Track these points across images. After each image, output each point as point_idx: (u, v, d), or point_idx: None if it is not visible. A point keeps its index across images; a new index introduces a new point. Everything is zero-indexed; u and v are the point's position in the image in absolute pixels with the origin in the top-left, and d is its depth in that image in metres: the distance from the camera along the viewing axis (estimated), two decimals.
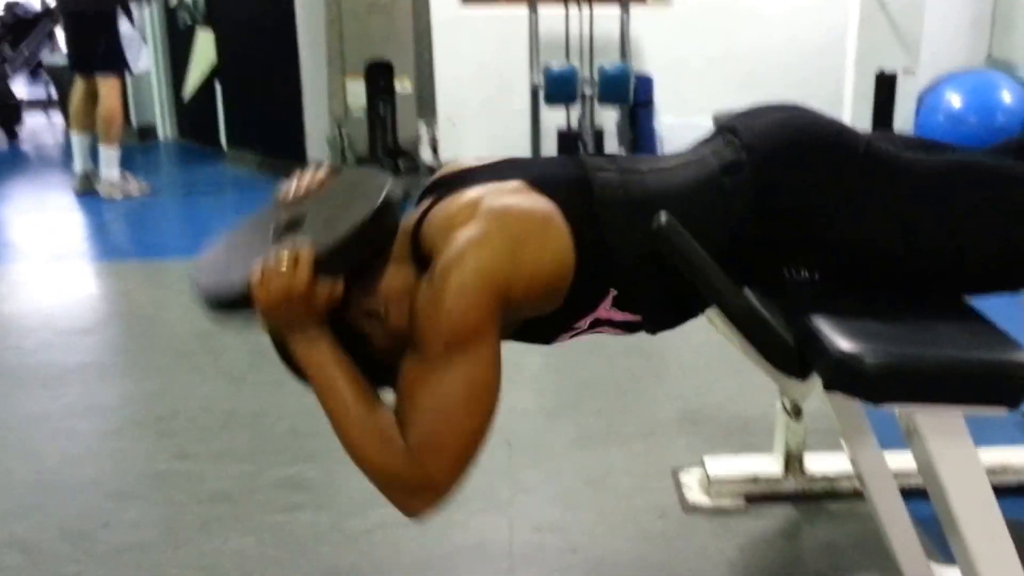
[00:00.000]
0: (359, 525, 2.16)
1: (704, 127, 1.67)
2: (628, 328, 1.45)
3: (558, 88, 4.67)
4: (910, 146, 1.55)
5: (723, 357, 3.02)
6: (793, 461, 2.26)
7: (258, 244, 1.37)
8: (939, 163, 1.47)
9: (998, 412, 1.19)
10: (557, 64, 4.92)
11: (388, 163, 5.36)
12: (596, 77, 5.06)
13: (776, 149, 1.44)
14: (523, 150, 5.56)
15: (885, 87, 4.91)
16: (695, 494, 2.29)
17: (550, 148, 5.44)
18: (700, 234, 1.36)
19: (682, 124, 5.51)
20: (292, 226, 1.37)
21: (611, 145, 5.48)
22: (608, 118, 5.51)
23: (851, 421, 1.73)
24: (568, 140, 5.28)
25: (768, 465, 2.30)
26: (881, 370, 1.16)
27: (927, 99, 5.03)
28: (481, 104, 5.63)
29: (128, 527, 2.19)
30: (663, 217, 1.33)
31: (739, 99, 6.31)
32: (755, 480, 2.27)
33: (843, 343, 1.20)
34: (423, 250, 1.32)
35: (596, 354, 3.05)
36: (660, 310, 1.45)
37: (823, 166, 1.43)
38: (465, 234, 1.25)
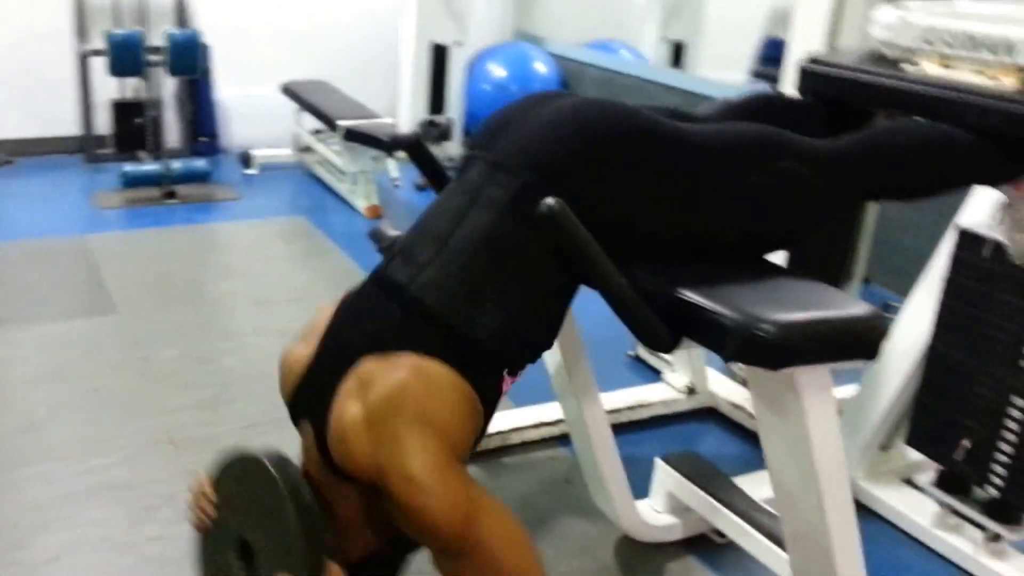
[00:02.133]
0: None
1: (267, 97, 1.70)
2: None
3: (123, 56, 4.37)
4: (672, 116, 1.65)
5: None
6: None
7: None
8: (726, 137, 1.56)
9: (859, 365, 1.37)
10: (120, 30, 4.59)
11: None
12: (166, 44, 4.81)
13: (568, 152, 1.45)
14: (70, 124, 5.15)
15: (439, 58, 5.35)
16: None
17: (104, 121, 5.09)
18: (534, 264, 1.42)
19: (243, 95, 5.50)
20: (246, 557, 1.47)
21: (169, 118, 5.26)
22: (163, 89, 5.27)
23: (578, 371, 2.01)
24: (126, 111, 4.98)
25: None
26: (785, 338, 1.28)
27: (474, 69, 5.56)
28: (17, 74, 5.06)
29: None
30: (551, 202, 1.33)
31: (301, 70, 6.45)
32: None
33: (741, 315, 1.30)
34: (356, 478, 1.37)
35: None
36: (537, 355, 1.53)
37: (636, 157, 1.46)
38: (387, 452, 1.31)
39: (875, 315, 1.37)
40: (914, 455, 2.50)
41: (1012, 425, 2.05)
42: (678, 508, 2.26)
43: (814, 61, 2.00)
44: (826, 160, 1.60)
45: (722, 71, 6.42)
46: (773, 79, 6.57)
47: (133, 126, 4.98)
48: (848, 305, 1.39)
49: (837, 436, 1.40)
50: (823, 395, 1.37)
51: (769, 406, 1.41)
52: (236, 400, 2.81)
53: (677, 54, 6.14)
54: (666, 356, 2.98)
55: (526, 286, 1.45)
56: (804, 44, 3.06)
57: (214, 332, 3.27)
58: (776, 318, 1.29)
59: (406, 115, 5.39)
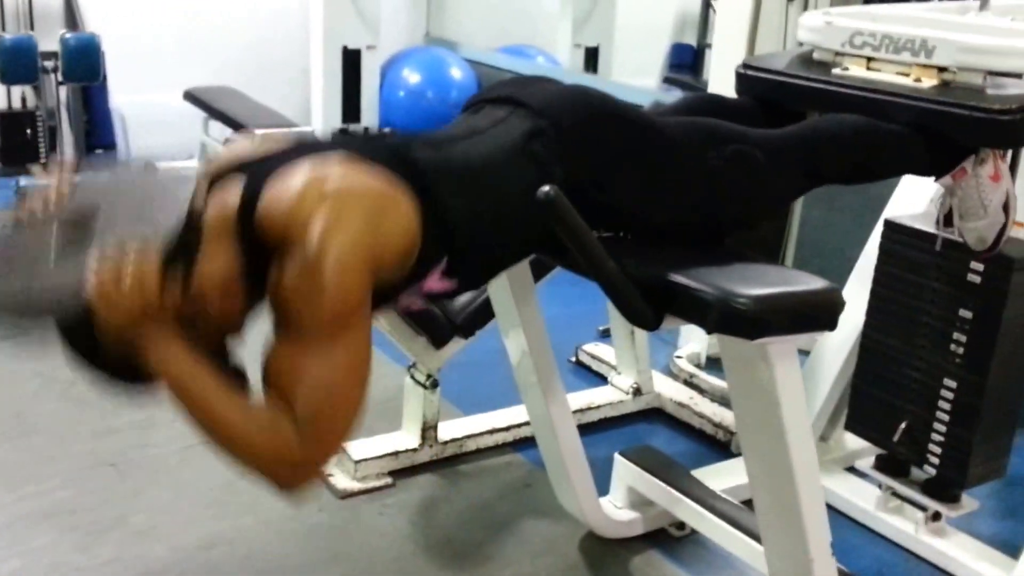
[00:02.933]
0: None
1: (168, 105, 1.73)
2: (436, 299, 1.66)
3: (16, 63, 4.31)
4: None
5: None
6: (429, 431, 2.64)
7: (41, 250, 1.35)
8: (685, 125, 1.76)
9: (817, 336, 1.55)
10: (9, 34, 4.53)
11: None
12: (60, 49, 4.76)
13: (578, 117, 1.64)
14: None
15: (351, 63, 5.43)
16: (343, 481, 2.57)
17: None
18: (523, 197, 1.50)
19: (141, 103, 5.46)
20: (79, 230, 1.36)
21: (63, 128, 5.20)
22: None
23: (545, 371, 2.14)
24: (13, 123, 4.89)
25: (404, 440, 2.66)
26: (760, 311, 1.44)
27: (388, 75, 5.65)
28: None
29: None
30: (549, 188, 1.44)
31: (203, 76, 6.41)
32: (396, 456, 2.63)
33: (720, 292, 1.46)
34: (267, 236, 1.37)
35: None
36: (477, 276, 1.66)
37: (620, 136, 1.65)
38: (326, 214, 1.33)
39: (833, 289, 1.55)
40: (853, 444, 2.71)
41: (945, 405, 2.25)
42: (638, 503, 2.40)
43: (748, 66, 2.17)
44: (774, 144, 1.79)
45: (634, 76, 6.68)
46: (683, 84, 6.89)
47: (24, 138, 4.90)
48: (809, 281, 1.58)
49: (803, 402, 1.59)
50: (791, 364, 1.55)
51: (742, 376, 1.61)
52: (175, 419, 2.83)
53: (590, 59, 6.35)
54: (611, 359, 3.13)
55: (508, 204, 1.57)
56: (724, 50, 3.28)
57: None
58: (751, 293, 1.46)
59: (319, 123, 5.45)
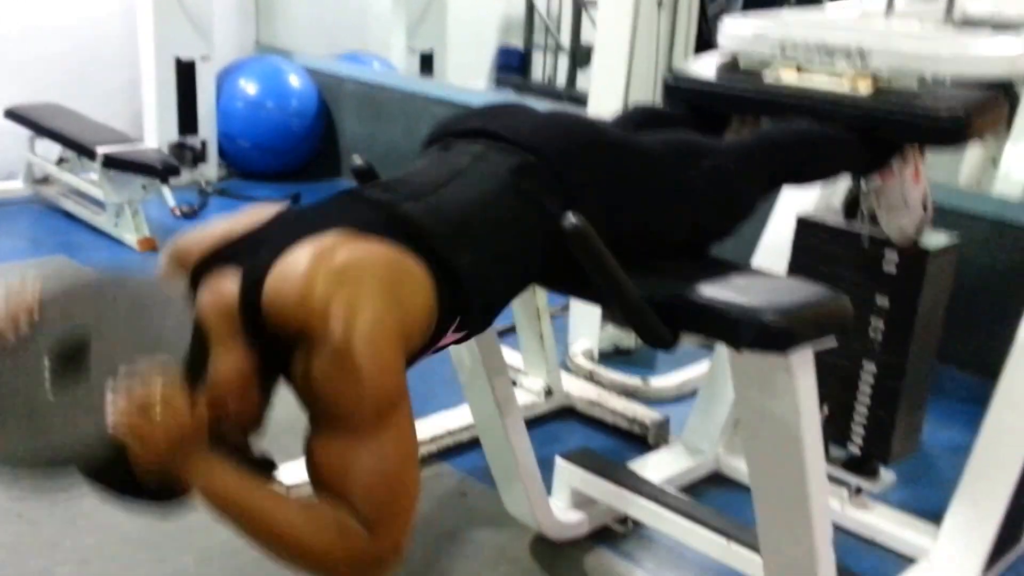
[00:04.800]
0: None
1: None
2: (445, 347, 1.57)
3: None
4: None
5: None
6: None
7: (31, 383, 1.22)
8: (659, 144, 1.76)
9: (832, 342, 1.55)
10: None
11: None
12: None
13: (561, 147, 1.60)
14: None
15: (185, 74, 5.20)
16: None
17: None
18: (521, 238, 1.51)
19: None
20: (71, 360, 1.24)
21: None
22: None
23: (494, 374, 2.12)
24: None
25: None
26: (788, 325, 1.47)
27: (223, 86, 5.43)
28: None
29: None
30: (573, 218, 1.43)
31: (26, 92, 5.97)
32: None
33: (748, 309, 1.47)
34: (281, 329, 1.29)
35: None
36: (486, 322, 1.59)
37: (606, 161, 1.64)
38: (345, 299, 1.26)
39: (840, 296, 1.60)
40: None
41: (867, 388, 2.39)
42: (581, 503, 2.43)
43: (678, 77, 2.24)
44: (740, 154, 1.85)
45: (468, 79, 6.74)
46: (514, 86, 6.99)
47: None
48: (816, 290, 1.60)
49: (816, 409, 1.63)
50: (810, 372, 1.57)
51: (759, 388, 1.59)
52: None
53: (425, 64, 6.34)
54: (514, 362, 3.14)
55: (507, 248, 1.52)
56: (606, 57, 3.35)
57: None
58: (778, 307, 1.48)
59: (154, 136, 5.17)
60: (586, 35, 7.42)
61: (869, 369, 2.39)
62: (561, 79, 7.55)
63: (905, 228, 2.17)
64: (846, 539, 2.48)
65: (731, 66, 2.21)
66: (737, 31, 2.20)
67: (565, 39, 7.46)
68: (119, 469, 1.18)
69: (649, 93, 3.31)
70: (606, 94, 3.22)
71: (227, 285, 1.35)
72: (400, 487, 1.30)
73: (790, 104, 2.03)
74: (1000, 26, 2.17)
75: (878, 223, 2.24)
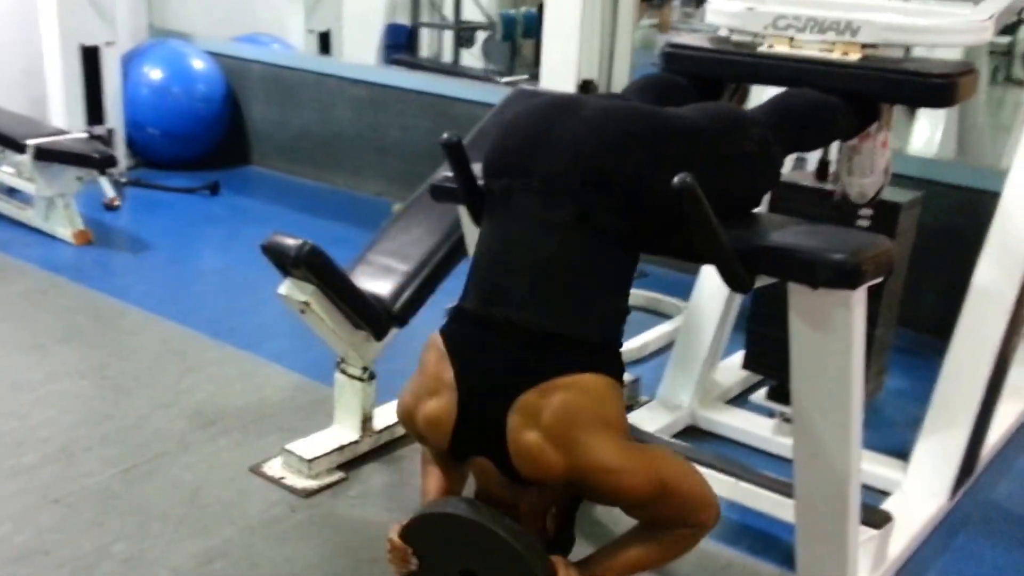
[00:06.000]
0: None
1: None
2: None
3: None
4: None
5: (194, 356, 3.17)
6: (367, 422, 2.65)
7: None
8: (711, 118, 1.87)
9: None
10: None
11: None
12: None
13: (618, 170, 1.69)
14: None
15: (90, 60, 5.06)
16: (300, 481, 2.54)
17: None
18: (607, 273, 1.72)
19: None
20: None
21: None
22: None
23: None
24: None
25: (344, 434, 2.66)
26: (858, 263, 1.65)
27: (128, 73, 5.30)
28: None
29: None
30: (686, 177, 1.56)
31: None
32: (341, 450, 2.61)
33: (826, 251, 1.66)
34: (549, 479, 1.64)
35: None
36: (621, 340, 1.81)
37: (674, 147, 1.73)
38: (583, 457, 1.60)
39: (887, 240, 1.79)
40: (724, 382, 3.09)
41: None
42: None
43: (677, 46, 2.41)
44: (771, 122, 1.97)
45: (363, 57, 6.77)
46: (406, 63, 7.04)
47: None
48: (866, 235, 1.83)
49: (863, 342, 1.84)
50: (863, 308, 1.78)
51: (820, 324, 1.78)
52: (91, 447, 2.66)
53: (323, 44, 6.33)
54: None
55: (606, 286, 1.72)
56: (555, 37, 3.49)
57: None
58: (848, 249, 1.67)
59: (62, 124, 5.00)
60: (467, 12, 7.61)
61: None
62: (447, 55, 7.68)
63: (866, 189, 2.41)
64: None
65: (724, 40, 2.39)
66: (729, 8, 2.36)
67: (450, 15, 7.59)
68: None
69: (595, 70, 3.48)
70: (560, 70, 3.36)
71: (487, 469, 1.71)
72: (688, 495, 1.70)
73: (788, 69, 2.21)
74: None
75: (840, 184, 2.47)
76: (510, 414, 1.61)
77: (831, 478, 1.97)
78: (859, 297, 1.75)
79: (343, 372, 2.64)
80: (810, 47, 2.26)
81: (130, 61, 5.36)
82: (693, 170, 1.61)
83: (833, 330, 1.79)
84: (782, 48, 2.28)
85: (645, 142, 1.73)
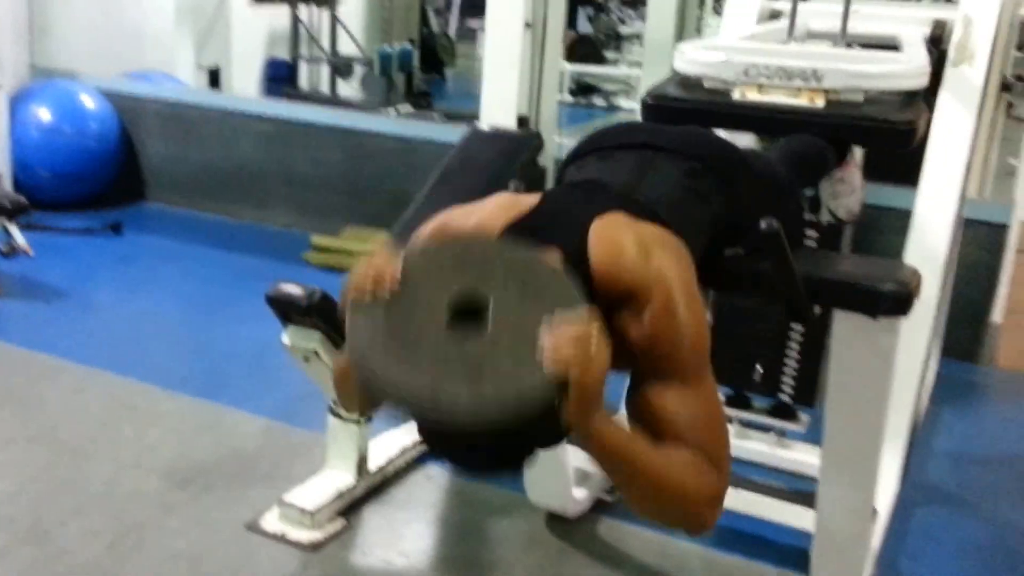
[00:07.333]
0: None
1: None
2: None
3: None
4: None
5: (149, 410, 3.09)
6: (363, 464, 2.66)
7: (436, 341, 1.24)
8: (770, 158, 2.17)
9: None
10: None
11: None
12: None
13: (723, 157, 1.86)
14: None
15: None
16: (303, 534, 2.51)
17: None
18: (698, 231, 1.70)
19: None
20: (469, 314, 1.27)
21: None
22: None
23: None
24: None
25: (339, 479, 2.65)
26: (908, 293, 1.81)
27: (17, 113, 5.06)
28: None
29: None
30: (773, 220, 1.67)
31: None
32: (341, 496, 2.61)
33: (887, 283, 1.81)
34: (611, 290, 1.43)
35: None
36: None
37: (744, 165, 1.90)
38: (669, 264, 1.46)
39: (913, 267, 1.94)
40: None
41: (795, 345, 2.83)
42: (581, 480, 2.67)
43: (656, 96, 2.53)
44: (789, 167, 2.21)
45: (247, 90, 6.69)
46: (292, 96, 7.02)
47: None
48: (897, 264, 2.02)
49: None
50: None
51: (865, 347, 1.92)
52: (64, 520, 2.53)
53: (213, 79, 6.22)
54: None
55: (693, 238, 1.65)
56: (495, 79, 3.53)
57: None
58: (896, 279, 1.84)
59: None
60: (343, 47, 7.66)
61: (797, 328, 2.82)
62: (325, 87, 7.77)
63: (852, 206, 2.63)
64: (778, 476, 2.83)
65: (695, 87, 2.52)
66: (707, 59, 2.50)
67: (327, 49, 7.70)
68: (547, 416, 1.21)
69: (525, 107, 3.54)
70: (501, 106, 3.41)
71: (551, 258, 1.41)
72: (725, 428, 1.46)
73: (760, 116, 2.39)
74: (886, 46, 2.65)
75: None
76: (600, 217, 1.53)
77: (855, 496, 2.13)
78: (905, 323, 1.91)
79: (337, 416, 2.63)
80: (776, 93, 2.42)
81: (16, 102, 5.11)
82: (755, 197, 1.79)
83: (876, 355, 1.94)
84: (753, 94, 2.44)
85: (727, 152, 1.93)
